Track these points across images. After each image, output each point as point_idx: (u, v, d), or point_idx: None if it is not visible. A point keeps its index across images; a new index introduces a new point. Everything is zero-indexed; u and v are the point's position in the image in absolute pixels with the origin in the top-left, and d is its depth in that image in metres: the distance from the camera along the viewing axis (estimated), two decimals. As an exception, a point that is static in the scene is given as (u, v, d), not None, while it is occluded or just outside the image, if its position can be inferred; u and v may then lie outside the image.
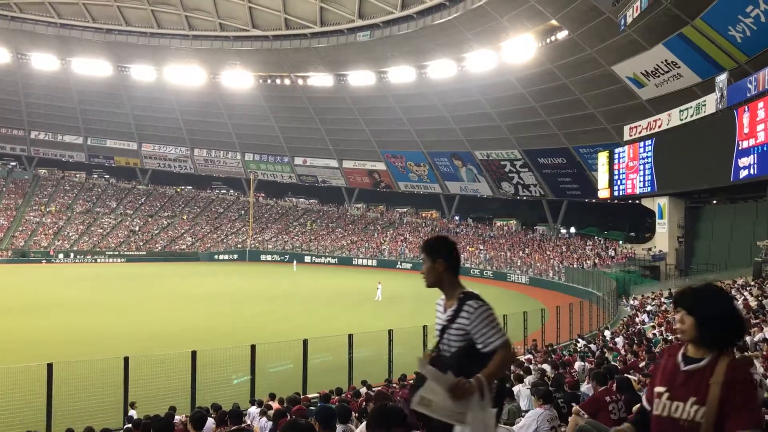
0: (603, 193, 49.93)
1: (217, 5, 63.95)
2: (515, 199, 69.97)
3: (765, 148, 30.19)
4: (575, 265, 51.31)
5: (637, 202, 48.93)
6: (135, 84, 74.97)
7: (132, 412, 14.66)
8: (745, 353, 10.46)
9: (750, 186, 34.56)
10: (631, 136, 44.80)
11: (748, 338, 14.11)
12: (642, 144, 43.15)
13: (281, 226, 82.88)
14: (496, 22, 48.54)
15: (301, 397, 13.87)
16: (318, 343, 18.00)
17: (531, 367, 14.63)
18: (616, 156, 47.09)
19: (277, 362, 18.62)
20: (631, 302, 34.83)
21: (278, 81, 70.52)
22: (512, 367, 15.61)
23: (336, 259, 71.57)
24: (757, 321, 17.38)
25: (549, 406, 7.06)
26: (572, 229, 66.14)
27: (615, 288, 36.38)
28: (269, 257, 74.97)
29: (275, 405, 12.97)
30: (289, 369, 17.64)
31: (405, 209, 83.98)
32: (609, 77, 45.02)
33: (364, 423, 6.14)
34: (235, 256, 75.67)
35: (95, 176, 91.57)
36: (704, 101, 36.05)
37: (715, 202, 43.45)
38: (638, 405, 3.22)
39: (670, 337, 17.44)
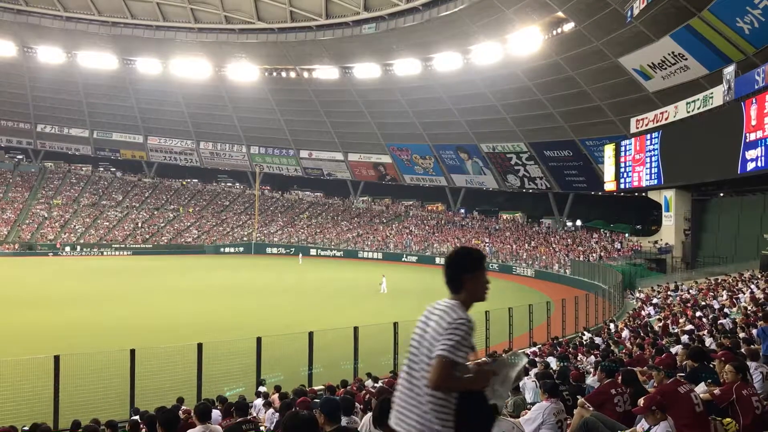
0: (609, 185, 49.79)
1: (222, -2, 63.92)
2: (521, 192, 69.83)
3: (773, 141, 30.03)
4: (581, 258, 51.19)
5: (644, 194, 48.75)
6: (141, 77, 75.00)
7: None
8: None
9: (757, 179, 34.41)
10: (637, 128, 44.60)
11: (754, 331, 13.98)
12: (648, 136, 42.96)
13: (287, 219, 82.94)
14: (502, 14, 48.31)
15: (308, 389, 13.90)
16: (323, 335, 18.04)
17: (536, 359, 14.63)
18: (623, 148, 46.91)
19: (282, 354, 18.64)
20: (637, 295, 34.76)
21: (284, 74, 70.36)
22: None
23: (341, 252, 71.60)
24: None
25: (555, 399, 7.04)
26: (578, 222, 65.92)
27: (621, 281, 36.23)
28: (275, 250, 75.09)
29: (273, 396, 12.99)
30: (295, 361, 17.66)
31: (410, 202, 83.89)
32: (615, 69, 44.79)
33: (369, 414, 6.14)
34: (241, 249, 75.83)
35: (101, 169, 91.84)
36: (711, 93, 35.84)
37: (722, 194, 43.27)
38: None
39: (675, 330, 17.38)
